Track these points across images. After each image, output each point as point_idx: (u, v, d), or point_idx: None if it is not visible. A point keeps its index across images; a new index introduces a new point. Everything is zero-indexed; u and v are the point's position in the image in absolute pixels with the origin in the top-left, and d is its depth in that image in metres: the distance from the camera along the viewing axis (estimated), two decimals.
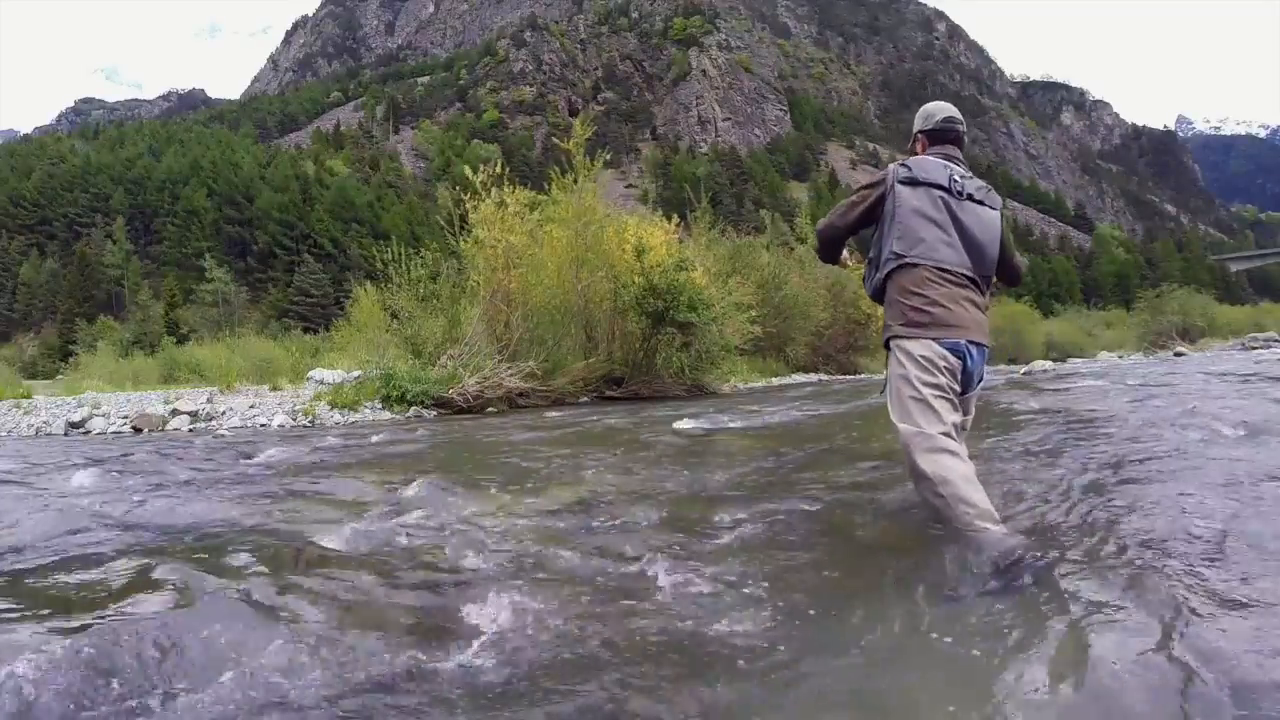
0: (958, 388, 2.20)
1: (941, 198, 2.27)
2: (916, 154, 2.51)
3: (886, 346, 2.33)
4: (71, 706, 1.22)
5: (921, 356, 2.15)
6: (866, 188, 2.44)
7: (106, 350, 21.94)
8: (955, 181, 2.30)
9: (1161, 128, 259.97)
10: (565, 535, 2.35)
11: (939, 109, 2.56)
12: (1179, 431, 3.78)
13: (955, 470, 2.00)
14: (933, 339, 2.16)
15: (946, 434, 2.07)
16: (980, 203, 2.32)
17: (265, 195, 61.97)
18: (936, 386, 2.13)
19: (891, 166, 2.39)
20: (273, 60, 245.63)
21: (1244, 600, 1.53)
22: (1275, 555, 1.78)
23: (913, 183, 2.29)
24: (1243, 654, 1.29)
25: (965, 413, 2.32)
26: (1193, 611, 1.47)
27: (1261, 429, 3.66)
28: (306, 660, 1.40)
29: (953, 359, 2.16)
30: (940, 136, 2.51)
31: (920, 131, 2.56)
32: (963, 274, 2.25)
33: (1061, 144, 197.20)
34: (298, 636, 1.51)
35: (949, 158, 2.41)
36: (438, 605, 1.71)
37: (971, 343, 2.20)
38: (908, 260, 2.23)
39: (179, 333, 36.50)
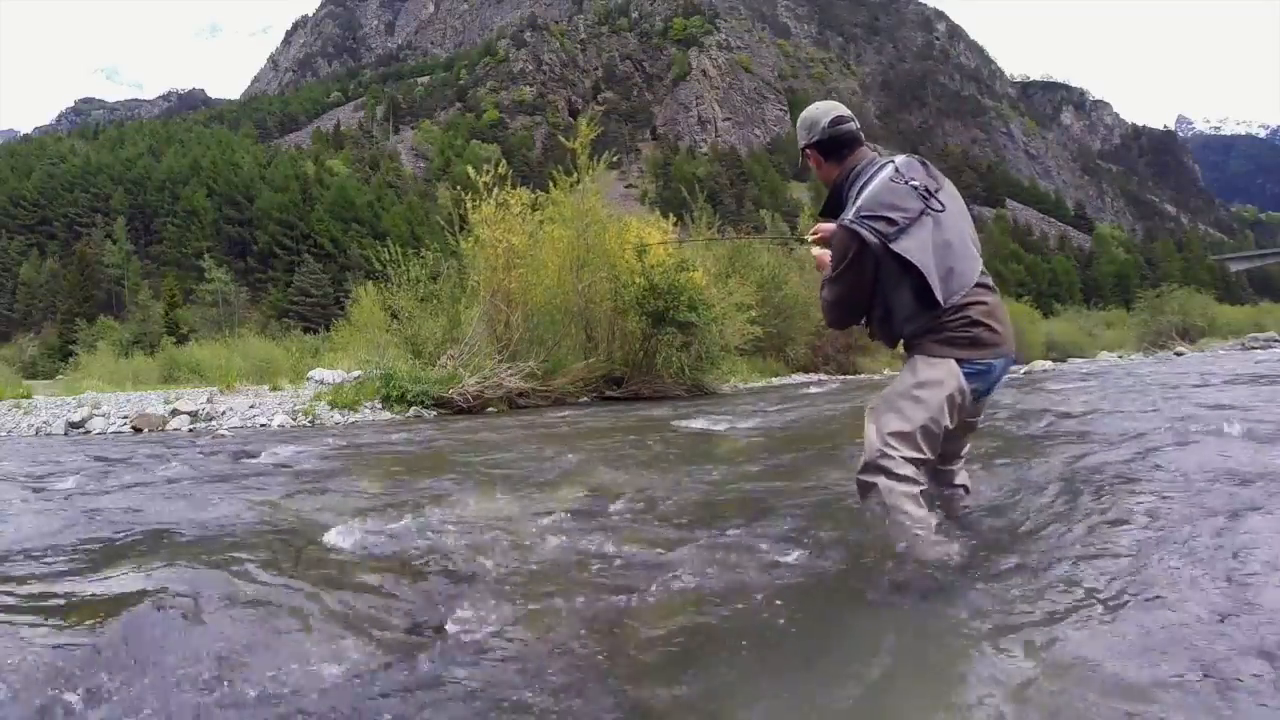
0: (951, 425, 1.98)
1: (931, 220, 1.93)
2: (815, 171, 2.16)
3: (908, 349, 2.03)
4: (71, 708, 1.22)
5: (947, 397, 1.92)
6: (849, 267, 1.94)
7: (106, 350, 21.90)
8: (928, 196, 1.95)
9: (1161, 128, 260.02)
10: (566, 536, 2.35)
11: (824, 110, 2.11)
12: (1163, 430, 3.79)
13: (895, 492, 1.89)
14: (964, 359, 1.92)
15: (909, 460, 1.91)
16: (941, 197, 1.98)
17: (265, 195, 61.98)
18: (935, 422, 1.93)
19: (852, 228, 1.90)
20: (273, 60, 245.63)
21: (1201, 596, 1.53)
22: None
23: (900, 233, 1.89)
24: (1206, 648, 1.29)
25: (974, 414, 2.14)
26: (1156, 602, 1.48)
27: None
28: (307, 661, 1.41)
29: (969, 393, 1.96)
30: (835, 144, 2.09)
31: (809, 146, 2.13)
32: (985, 282, 2.00)
33: (1061, 144, 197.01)
34: (298, 637, 1.52)
35: (860, 176, 2.01)
36: (438, 606, 1.72)
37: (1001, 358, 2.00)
38: (952, 305, 1.93)
39: (179, 333, 36.50)
